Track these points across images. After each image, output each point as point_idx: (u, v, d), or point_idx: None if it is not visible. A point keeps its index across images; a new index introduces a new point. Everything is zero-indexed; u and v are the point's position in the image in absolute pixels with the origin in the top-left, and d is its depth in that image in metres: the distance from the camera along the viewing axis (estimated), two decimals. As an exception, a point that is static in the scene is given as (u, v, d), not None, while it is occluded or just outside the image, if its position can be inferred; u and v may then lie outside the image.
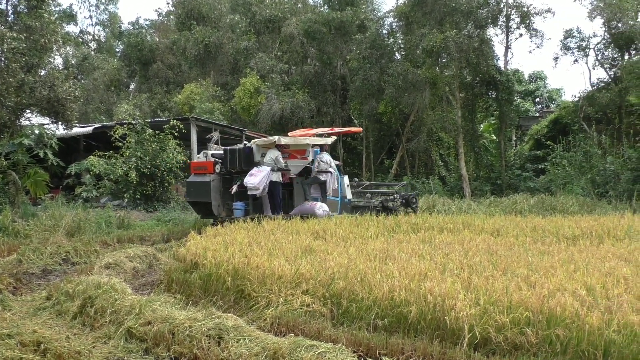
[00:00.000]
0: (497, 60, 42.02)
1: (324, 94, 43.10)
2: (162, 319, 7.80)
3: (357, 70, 40.79)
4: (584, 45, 41.89)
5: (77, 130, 31.10)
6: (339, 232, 13.52)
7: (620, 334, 6.43)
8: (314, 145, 21.04)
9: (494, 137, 47.05)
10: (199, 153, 25.71)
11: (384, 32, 42.49)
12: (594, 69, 42.57)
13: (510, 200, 28.86)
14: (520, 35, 43.36)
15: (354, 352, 7.05)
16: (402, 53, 42.27)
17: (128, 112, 34.21)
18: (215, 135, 27.79)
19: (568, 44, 42.31)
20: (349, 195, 22.16)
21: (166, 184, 27.56)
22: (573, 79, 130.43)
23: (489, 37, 40.00)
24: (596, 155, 34.48)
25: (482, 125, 48.42)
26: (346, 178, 22.12)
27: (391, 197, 22.99)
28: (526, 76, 67.14)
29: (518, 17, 41.79)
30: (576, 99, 43.60)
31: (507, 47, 43.15)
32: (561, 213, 22.59)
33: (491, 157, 43.08)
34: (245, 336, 7.20)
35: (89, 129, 33.20)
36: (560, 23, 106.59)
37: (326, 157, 20.61)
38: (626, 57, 39.56)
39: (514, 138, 50.01)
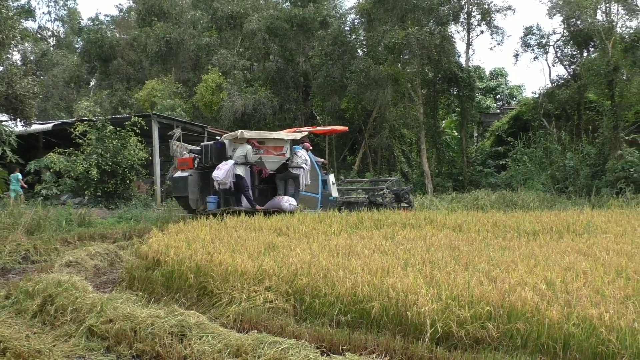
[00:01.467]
0: (458, 57, 42.41)
1: (286, 91, 43.05)
2: (124, 317, 7.72)
3: (319, 66, 40.85)
4: (543, 43, 42.43)
5: (36, 127, 30.69)
6: (302, 228, 13.51)
7: (579, 327, 6.51)
8: (287, 141, 20.96)
9: (456, 134, 47.45)
10: (170, 150, 25.68)
11: (346, 28, 42.59)
12: (553, 66, 43.10)
13: (471, 196, 29.13)
14: (482, 32, 43.93)
15: (317, 348, 7.04)
16: (365, 50, 42.40)
17: (88, 109, 33.86)
18: (177, 132, 27.64)
19: (528, 41, 42.80)
20: (335, 194, 22.35)
21: (128, 181, 27.29)
22: (533, 76, 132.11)
23: (450, 34, 40.37)
24: (556, 152, 34.93)
25: (444, 122, 48.77)
26: (332, 176, 22.45)
27: (379, 192, 23.07)
28: (487, 73, 67.74)
29: (479, 14, 42.23)
30: (536, 95, 44.24)
31: (469, 44, 43.57)
32: (522, 208, 22.85)
33: (453, 153, 43.42)
34: (208, 333, 7.16)
35: (48, 126, 32.77)
36: (521, 20, 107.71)
37: (301, 152, 20.81)
38: (585, 54, 40.13)
39: (475, 134, 50.46)
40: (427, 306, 7.09)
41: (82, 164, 26.32)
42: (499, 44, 68.78)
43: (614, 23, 33.42)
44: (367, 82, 37.36)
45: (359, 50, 42.99)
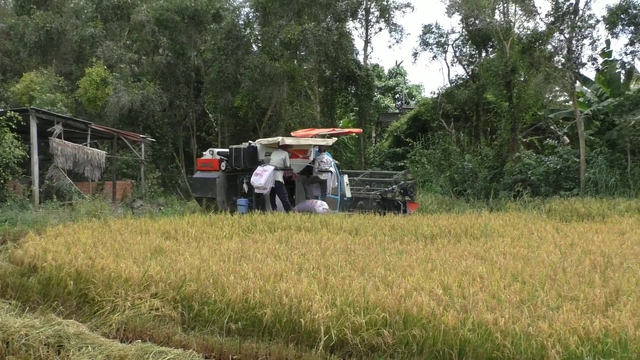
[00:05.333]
0: (356, 54, 42.79)
1: (176, 86, 42.45)
2: (-5, 328, 7.46)
3: (212, 61, 40.45)
4: (442, 42, 43.19)
5: None
6: (191, 231, 13.42)
7: (475, 332, 6.68)
8: (314, 146, 22.40)
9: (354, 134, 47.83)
10: (49, 147, 24.99)
11: (241, 22, 42.35)
12: (452, 65, 43.84)
13: (369, 198, 29.46)
14: (380, 29, 44.40)
15: (206, 357, 7.00)
16: (260, 45, 42.27)
17: (-41, 102, 32.56)
18: (58, 129, 26.90)
19: (427, 40, 43.48)
20: (348, 194, 23.20)
21: (2, 181, 26.35)
22: (432, 76, 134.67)
23: (348, 30, 40.68)
24: (455, 153, 35.67)
25: (341, 121, 49.11)
26: (345, 177, 23.30)
27: (390, 187, 23.67)
28: (386, 71, 68.60)
29: (377, 10, 42.76)
30: (435, 95, 44.84)
31: (367, 42, 44.07)
32: (420, 211, 23.28)
33: (350, 154, 43.75)
34: (88, 343, 7.00)
35: None
36: (420, 18, 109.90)
37: (326, 157, 22.11)
38: (483, 54, 41.12)
39: (373, 135, 50.99)
40: (321, 313, 7.12)
41: (-49, 161, 25.25)
42: (397, 41, 69.99)
43: (512, 24, 34.36)
44: (262, 78, 37.24)
45: (254, 46, 42.84)
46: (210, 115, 46.62)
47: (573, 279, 8.68)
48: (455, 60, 43.19)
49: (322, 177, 21.77)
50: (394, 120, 48.95)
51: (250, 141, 22.51)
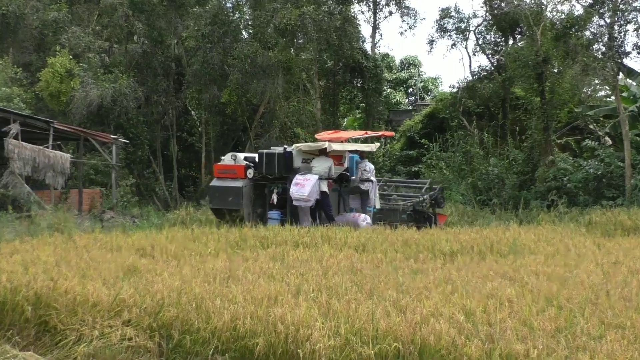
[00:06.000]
0: (363, 42, 42.90)
1: (154, 79, 42.46)
2: None
3: (195, 50, 40.50)
4: (462, 27, 43.11)
5: None
6: (170, 248, 13.40)
7: (503, 365, 6.62)
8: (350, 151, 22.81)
9: (360, 134, 47.79)
10: (5, 150, 24.98)
11: (229, 5, 42.41)
12: (474, 55, 43.84)
13: (378, 209, 29.46)
14: (390, 13, 44.58)
15: (187, 396, 6.95)
16: (250, 31, 42.28)
17: None
18: (14, 128, 26.86)
19: (445, 25, 43.41)
20: (378, 205, 23.45)
21: (-54, 190, 26.38)
22: (451, 67, 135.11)
23: (353, 14, 40.77)
24: (478, 156, 35.59)
25: (345, 120, 49.17)
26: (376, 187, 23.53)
27: (421, 198, 24.08)
28: (397, 62, 68.65)
29: (387, -9, 42.78)
30: (455, 90, 44.70)
31: (375, 27, 44.19)
32: (438, 224, 23.24)
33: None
34: (48, 380, 6.95)
35: None
36: (437, 0, 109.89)
37: (369, 165, 22.69)
38: (510, 42, 41.08)
39: (382, 135, 50.97)
40: (322, 342, 7.08)
41: None
42: (410, 27, 69.36)
43: (544, 7, 34.27)
44: (253, 70, 37.24)
45: (244, 32, 42.88)
46: (192, 112, 46.70)
47: (618, 303, 8.63)
48: (478, 49, 43.21)
49: (364, 187, 22.21)
50: (406, 119, 48.89)
51: (285, 145, 23.07)
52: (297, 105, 41.98)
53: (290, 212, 21.24)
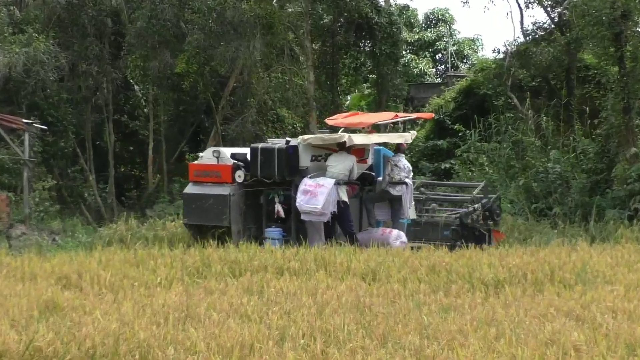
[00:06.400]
0: (373, -11, 42.84)
1: (82, 41, 42.36)
2: None
3: (139, 2, 40.46)
4: (511, -32, 43.16)
5: None
6: (104, 276, 13.38)
7: None
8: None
9: (369, 117, 47.79)
10: None
11: None
12: (528, 7, 43.80)
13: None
14: (411, -53, 44.43)
15: None
16: (217, -27, 42.31)
17: None
18: None
19: (488, -35, 43.41)
20: (413, 215, 23.10)
21: None
22: (496, 25, 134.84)
23: (359, -52, 40.69)
24: (533, 149, 35.49)
25: (349, 97, 49.20)
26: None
27: (471, 208, 23.58)
28: (421, 17, 68.65)
29: None
30: (501, 56, 44.65)
31: (391, -32, 44.09)
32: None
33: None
34: None
35: None
36: None
37: (404, 161, 22.28)
38: (577, -10, 41.08)
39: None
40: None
41: None
42: (439, -32, 70.08)
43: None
44: (220, 29, 37.23)
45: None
46: (136, 87, 46.64)
47: None
48: (533, 0, 43.12)
49: (396, 192, 21.78)
50: (434, 96, 48.80)
51: (287, 138, 22.50)
52: (281, 78, 41.96)
53: (295, 229, 20.96)
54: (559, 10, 41.83)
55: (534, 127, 38.25)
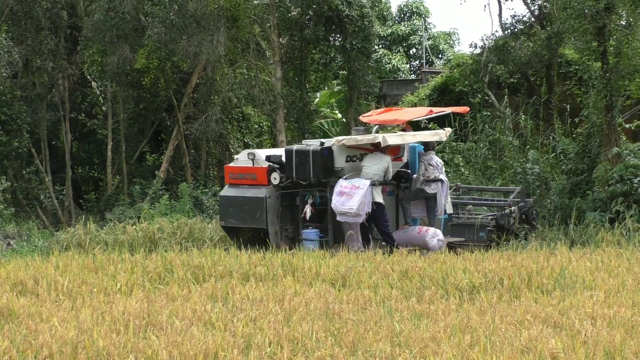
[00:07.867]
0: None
1: (36, 36, 42.25)
2: None
3: (97, -7, 40.37)
4: (489, -41, 43.22)
5: None
6: (62, 282, 13.39)
7: None
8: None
9: (339, 116, 47.88)
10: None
11: None
12: (507, 0, 43.89)
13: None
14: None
15: None
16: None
17: None
18: None
19: (464, -44, 43.54)
20: (450, 209, 24.12)
21: None
22: (473, 18, 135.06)
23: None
24: (511, 148, 35.57)
25: (318, 94, 49.17)
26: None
27: (508, 210, 24.18)
28: (394, 10, 68.63)
29: None
30: (478, 51, 44.72)
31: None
32: (451, 247, 23.32)
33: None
34: None
35: None
36: None
37: (436, 159, 22.85)
38: (558, -18, 41.22)
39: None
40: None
41: None
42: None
43: None
44: (182, 22, 37.21)
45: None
46: (94, 84, 46.50)
47: None
48: (512, -9, 43.22)
49: (430, 189, 22.25)
50: (407, 93, 48.84)
51: (322, 140, 23.17)
52: (247, 74, 41.92)
53: (332, 230, 21.40)
54: (540, 2, 41.97)
55: (512, 126, 38.31)
